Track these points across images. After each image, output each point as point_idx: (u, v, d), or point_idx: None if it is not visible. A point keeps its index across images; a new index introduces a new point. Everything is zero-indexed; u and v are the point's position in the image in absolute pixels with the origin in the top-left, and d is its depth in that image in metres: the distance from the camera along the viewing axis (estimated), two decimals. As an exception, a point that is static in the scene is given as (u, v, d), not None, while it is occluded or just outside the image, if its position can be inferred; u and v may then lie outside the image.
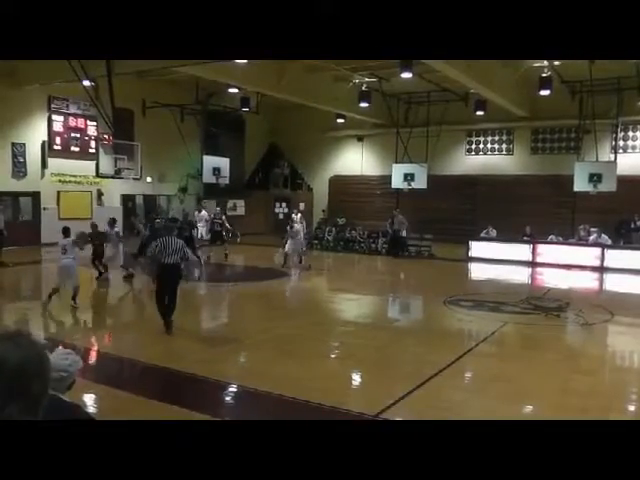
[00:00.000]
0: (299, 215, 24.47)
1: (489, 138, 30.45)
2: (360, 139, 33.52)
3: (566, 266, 20.95)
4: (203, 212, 23.34)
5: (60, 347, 3.68)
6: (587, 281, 19.80)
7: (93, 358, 9.93)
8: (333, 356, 10.39)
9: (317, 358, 9.79)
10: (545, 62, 21.04)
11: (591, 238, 22.38)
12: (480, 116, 26.74)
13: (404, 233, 24.61)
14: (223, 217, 22.75)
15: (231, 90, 25.98)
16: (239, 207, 33.02)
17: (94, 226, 16.96)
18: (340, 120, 30.69)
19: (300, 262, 20.54)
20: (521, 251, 22.72)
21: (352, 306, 15.15)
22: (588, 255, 21.52)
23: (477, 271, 21.91)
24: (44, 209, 25.25)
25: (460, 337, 11.75)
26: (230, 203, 32.30)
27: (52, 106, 25.36)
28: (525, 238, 23.37)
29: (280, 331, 11.72)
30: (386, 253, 24.68)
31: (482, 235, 24.52)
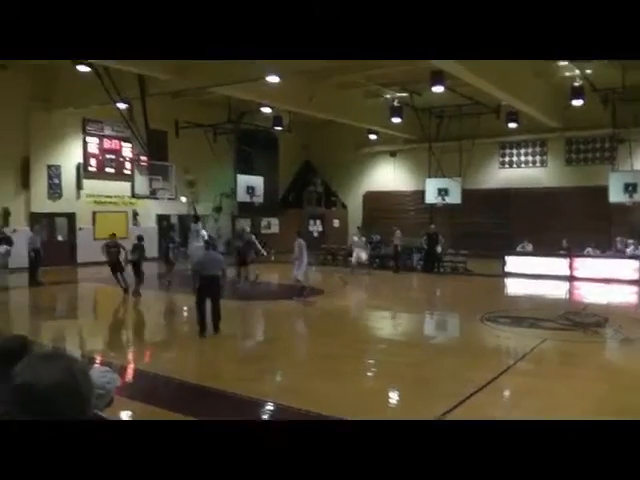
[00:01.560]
0: (356, 237, 24.40)
1: (522, 150, 30.22)
2: (393, 154, 33.51)
3: (604, 280, 20.58)
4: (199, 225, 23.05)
5: (98, 365, 3.71)
6: (625, 295, 19.40)
7: (130, 375, 9.97)
8: (369, 374, 10.29)
9: (354, 376, 9.70)
10: (576, 71, 20.87)
11: (628, 250, 21.99)
12: (513, 128, 26.56)
13: (439, 249, 24.38)
14: (253, 237, 22.44)
15: (263, 109, 26.13)
16: (273, 225, 33.13)
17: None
18: (372, 136, 30.68)
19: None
20: (557, 265, 22.35)
21: (387, 323, 15.06)
22: (626, 268, 21.12)
23: (513, 286, 21.61)
24: (79, 229, 25.64)
25: (498, 354, 11.58)
26: (264, 221, 32.43)
27: (87, 128, 25.89)
28: (562, 252, 23.00)
29: (315, 349, 11.67)
30: (421, 269, 24.51)
31: (517, 249, 24.21)
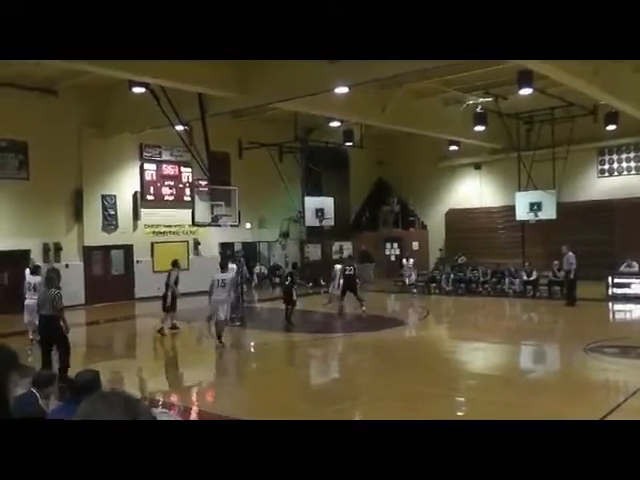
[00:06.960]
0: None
1: (624, 156, 29.35)
2: (477, 167, 33.07)
3: None
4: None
5: (153, 407, 3.81)
6: None
7: (190, 417, 10.09)
8: (460, 414, 10.17)
9: (441, 417, 9.60)
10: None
11: None
12: (612, 131, 25.87)
13: (534, 275, 23.90)
14: (354, 266, 21.46)
15: (332, 124, 26.27)
16: (346, 250, 33.07)
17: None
18: (453, 147, 30.36)
19: None
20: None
21: (478, 357, 14.85)
22: None
23: (620, 311, 21.01)
24: (137, 262, 26.13)
25: (605, 390, 11.29)
26: (336, 246, 32.36)
27: (144, 154, 26.38)
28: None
29: (399, 386, 11.57)
30: (513, 294, 24.11)
31: (622, 269, 23.47)
